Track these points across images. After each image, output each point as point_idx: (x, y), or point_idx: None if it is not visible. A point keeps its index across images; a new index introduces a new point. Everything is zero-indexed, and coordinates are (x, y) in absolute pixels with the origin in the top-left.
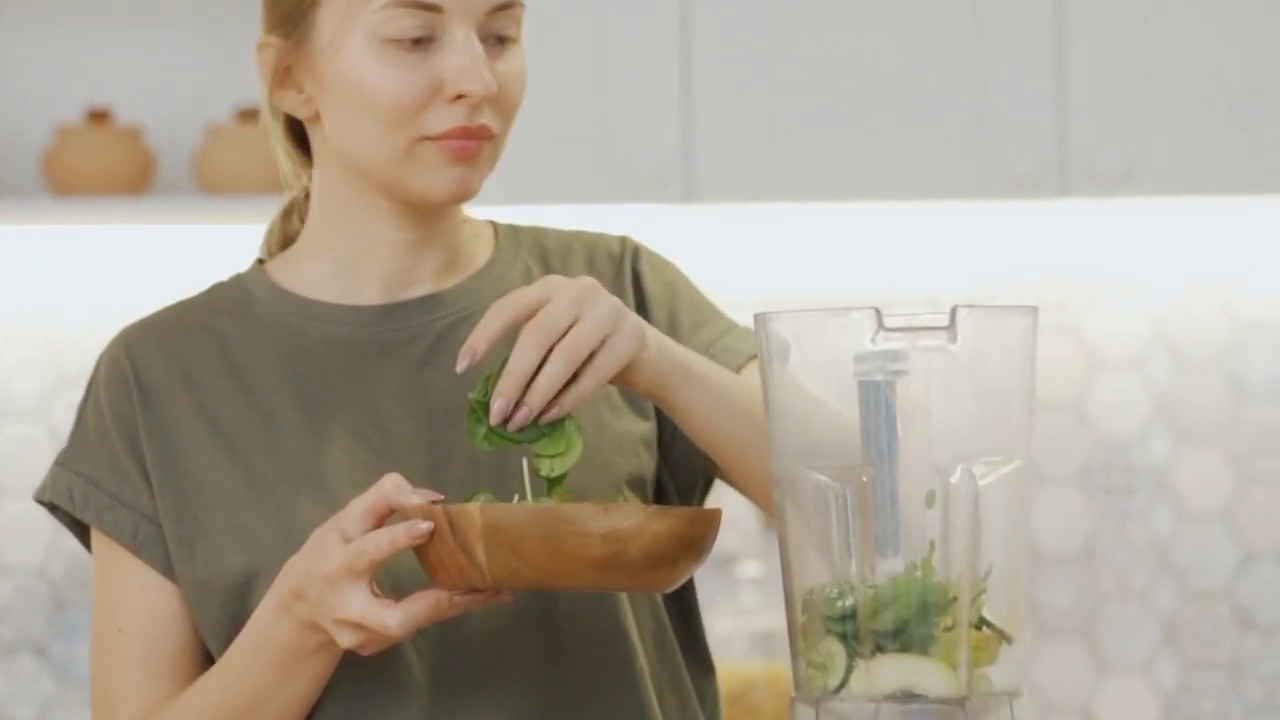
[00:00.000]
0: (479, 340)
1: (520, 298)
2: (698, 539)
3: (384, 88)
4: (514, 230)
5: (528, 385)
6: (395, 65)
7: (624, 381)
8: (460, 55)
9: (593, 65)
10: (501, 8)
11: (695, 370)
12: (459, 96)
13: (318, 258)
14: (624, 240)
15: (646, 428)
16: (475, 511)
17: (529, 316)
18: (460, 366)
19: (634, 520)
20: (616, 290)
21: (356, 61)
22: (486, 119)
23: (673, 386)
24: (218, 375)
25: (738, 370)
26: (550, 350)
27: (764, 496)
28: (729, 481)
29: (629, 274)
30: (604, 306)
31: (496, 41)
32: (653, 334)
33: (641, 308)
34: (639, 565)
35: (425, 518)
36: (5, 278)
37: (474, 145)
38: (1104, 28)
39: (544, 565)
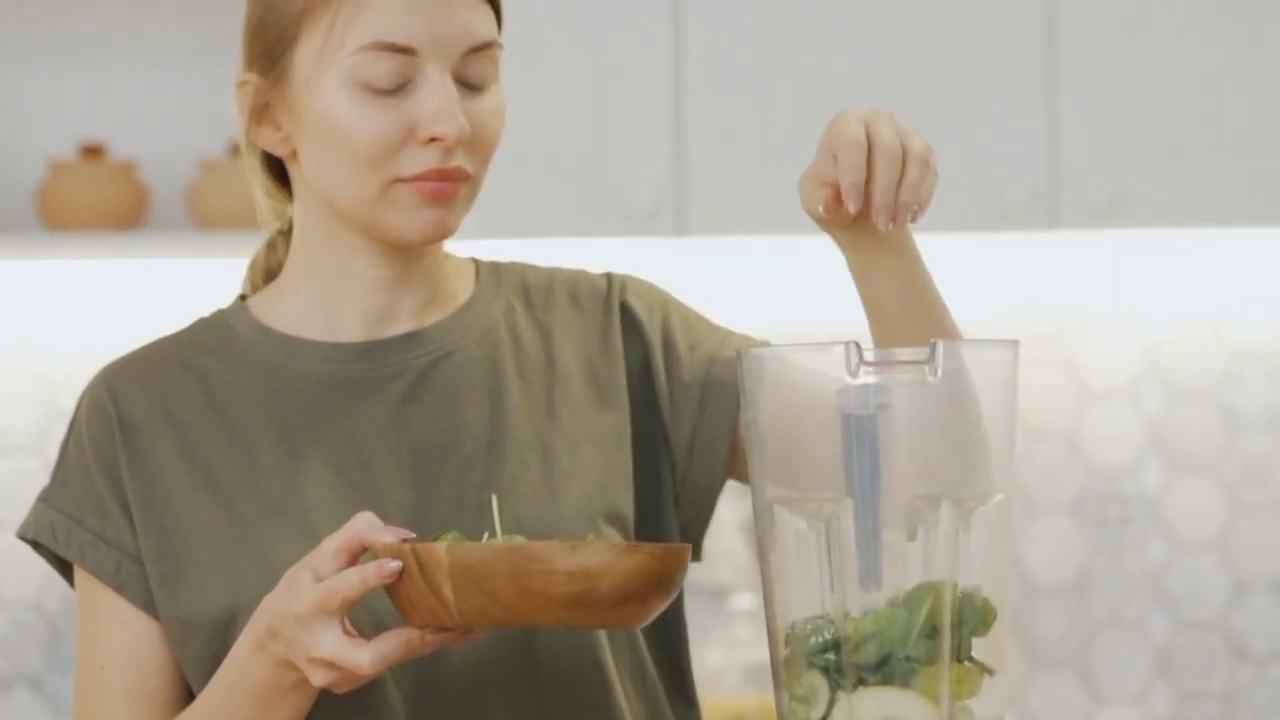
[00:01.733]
0: (857, 176)
1: (858, 130)
2: (667, 576)
3: (358, 130)
4: (496, 267)
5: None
6: (369, 107)
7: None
8: (434, 98)
9: (586, 99)
10: (477, 49)
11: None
12: (433, 139)
13: (298, 293)
14: (609, 276)
15: (619, 419)
16: (442, 550)
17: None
18: (852, 207)
19: (602, 558)
20: (603, 321)
21: (331, 103)
22: (461, 161)
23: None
24: (200, 412)
25: None
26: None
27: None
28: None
29: (616, 305)
30: (906, 127)
31: (472, 83)
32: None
33: (635, 338)
34: (608, 603)
35: (394, 556)
36: None
37: (449, 187)
38: (1094, 59)
39: (512, 603)
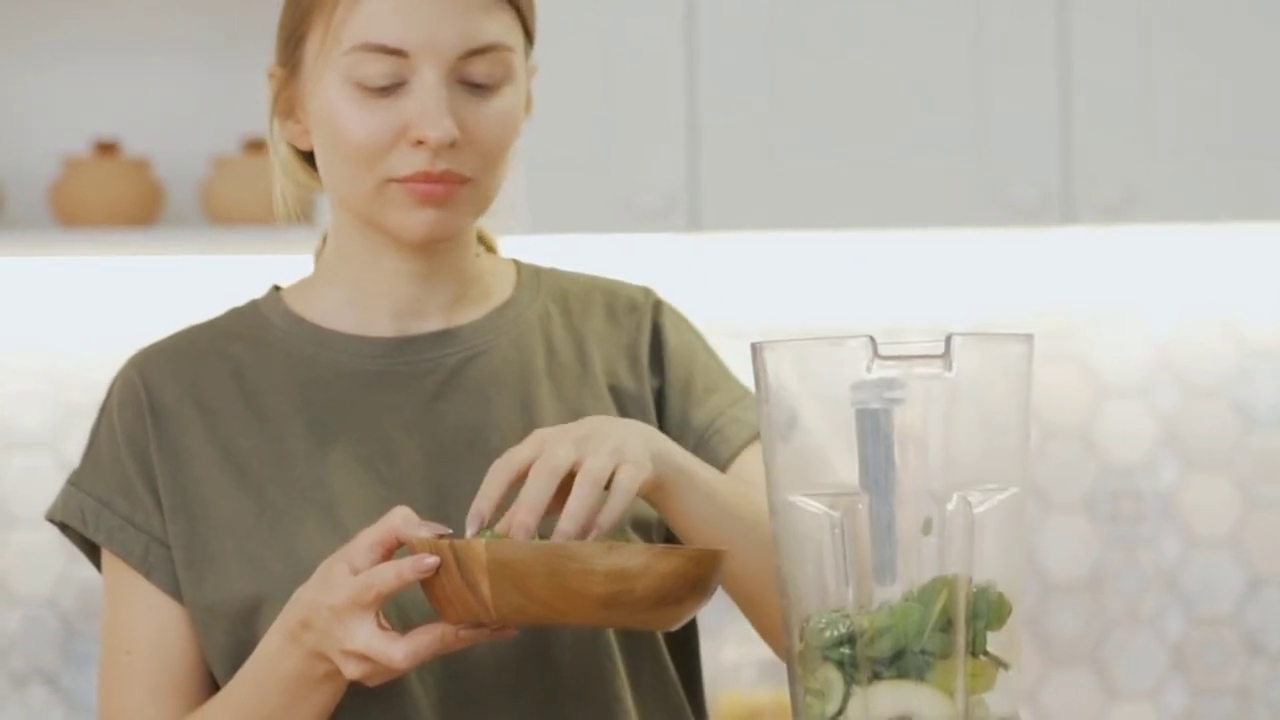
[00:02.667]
0: (484, 504)
1: (516, 455)
2: (703, 578)
3: (352, 129)
4: (536, 271)
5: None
6: (362, 107)
7: (653, 502)
8: (421, 101)
9: (597, 97)
10: (477, 51)
11: (694, 474)
12: (419, 142)
13: (330, 286)
14: (647, 291)
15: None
16: (481, 547)
17: (527, 470)
18: (470, 531)
19: (640, 559)
20: (634, 336)
21: (329, 101)
22: (452, 164)
23: (670, 488)
24: (230, 401)
25: (745, 442)
26: (553, 486)
27: (757, 600)
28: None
29: (649, 325)
30: (608, 441)
31: (474, 85)
32: (657, 442)
33: (659, 361)
34: (644, 604)
35: (432, 552)
36: (13, 309)
37: (440, 190)
38: (1106, 57)
39: (549, 601)
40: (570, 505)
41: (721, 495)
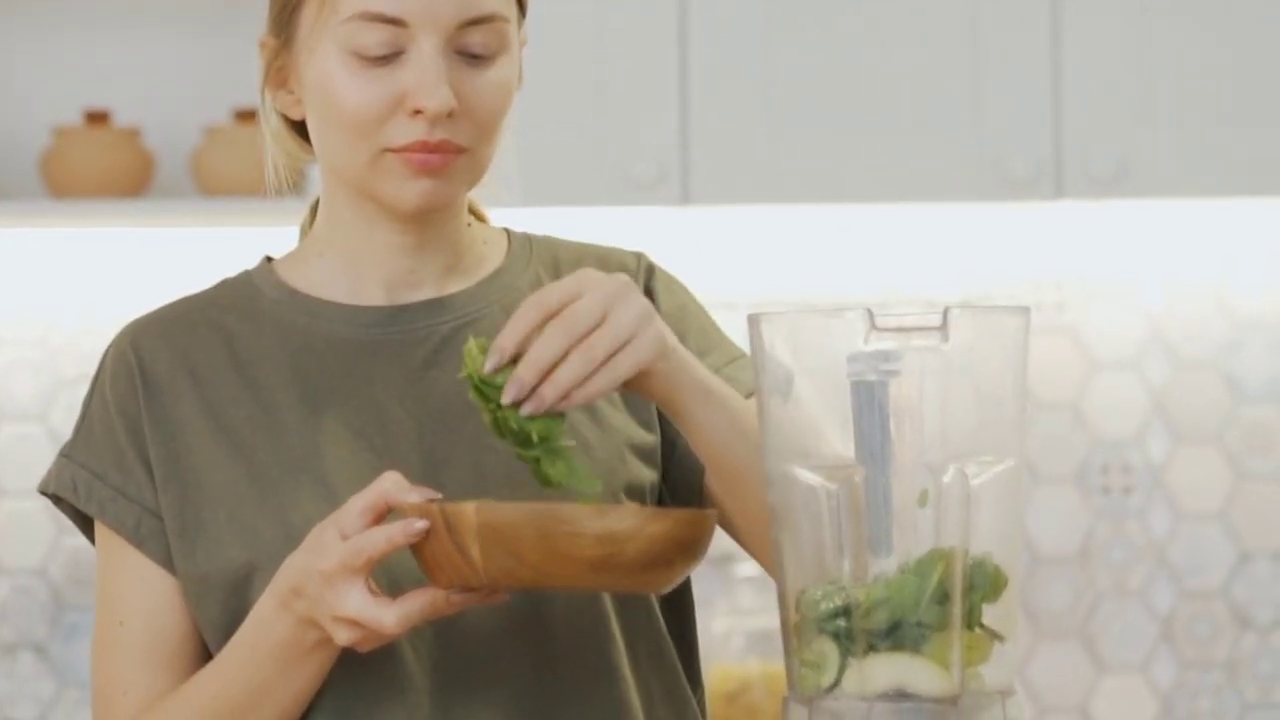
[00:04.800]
0: (508, 340)
1: (552, 294)
2: (693, 541)
3: (348, 99)
4: (528, 239)
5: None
6: (359, 77)
7: (639, 389)
8: (419, 70)
9: (590, 68)
10: (475, 21)
11: (711, 389)
12: (417, 111)
13: (322, 256)
14: (639, 256)
15: (650, 440)
16: (470, 510)
17: (559, 312)
18: (489, 366)
19: (630, 522)
20: None
21: (325, 70)
22: (449, 134)
23: (688, 401)
24: (223, 371)
25: None
26: (572, 345)
27: (758, 519)
28: (726, 504)
29: (641, 290)
30: (632, 309)
31: (471, 56)
32: (675, 345)
33: None
34: (634, 567)
35: (422, 516)
36: (3, 279)
37: (436, 159)
38: (1099, 30)
39: (539, 565)
40: (557, 374)
41: (742, 416)
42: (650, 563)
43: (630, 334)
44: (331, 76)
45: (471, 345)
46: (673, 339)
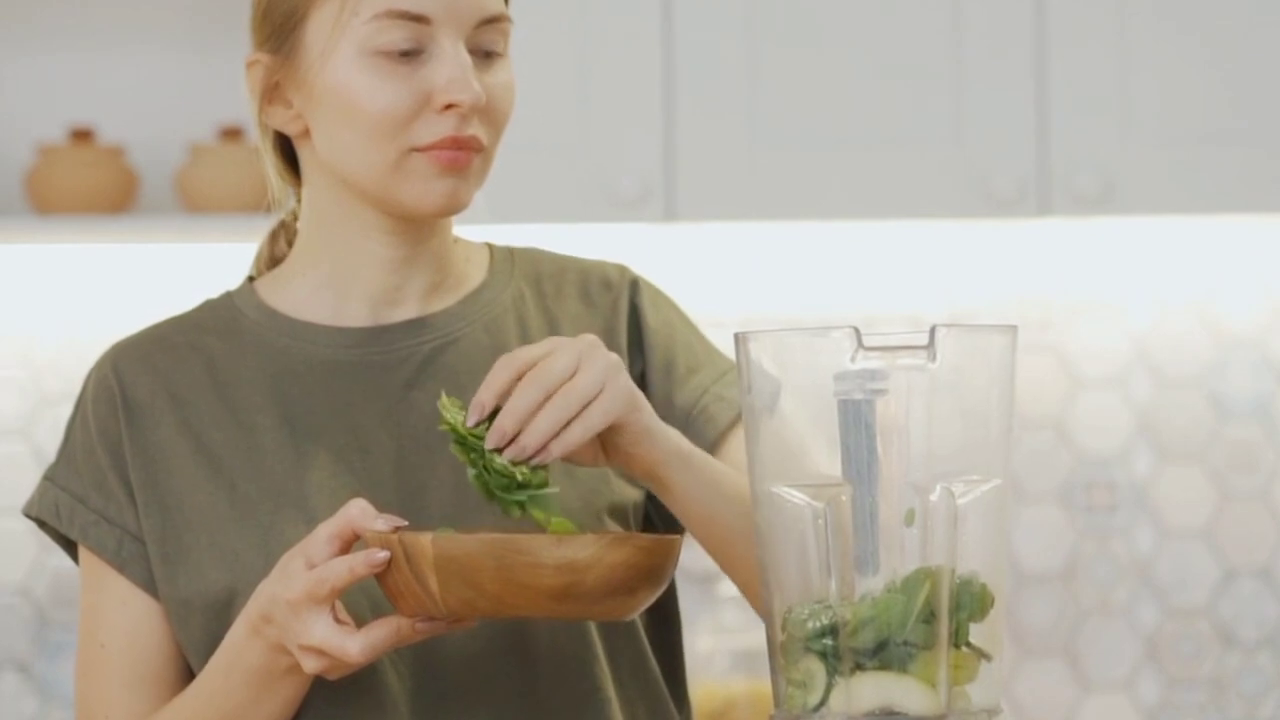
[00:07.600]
0: (486, 395)
1: (524, 354)
2: (655, 568)
3: (374, 99)
4: (510, 252)
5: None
6: (384, 77)
7: (621, 461)
8: (449, 66)
9: (574, 84)
10: (489, 21)
11: (692, 455)
12: (448, 107)
13: (305, 276)
14: (622, 270)
15: (637, 495)
16: (427, 542)
17: (529, 369)
18: (471, 420)
19: (589, 551)
20: (610, 318)
21: (346, 74)
22: (476, 130)
23: (669, 468)
24: (204, 394)
25: (731, 423)
26: (548, 397)
27: (750, 580)
28: (717, 562)
29: (626, 305)
30: (601, 361)
31: (484, 54)
32: (648, 410)
33: (639, 342)
34: (595, 595)
35: (382, 546)
36: None
37: (464, 156)
38: (1084, 47)
39: (498, 595)
40: (537, 422)
41: (722, 478)
42: (611, 590)
43: (600, 385)
44: (353, 79)
45: (445, 400)
46: (645, 403)
